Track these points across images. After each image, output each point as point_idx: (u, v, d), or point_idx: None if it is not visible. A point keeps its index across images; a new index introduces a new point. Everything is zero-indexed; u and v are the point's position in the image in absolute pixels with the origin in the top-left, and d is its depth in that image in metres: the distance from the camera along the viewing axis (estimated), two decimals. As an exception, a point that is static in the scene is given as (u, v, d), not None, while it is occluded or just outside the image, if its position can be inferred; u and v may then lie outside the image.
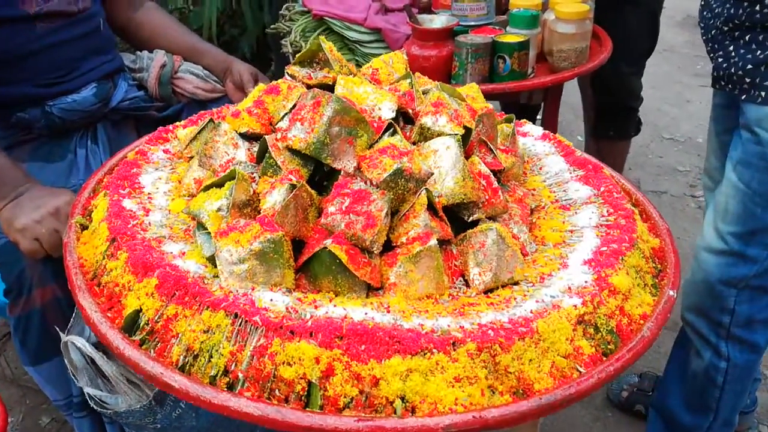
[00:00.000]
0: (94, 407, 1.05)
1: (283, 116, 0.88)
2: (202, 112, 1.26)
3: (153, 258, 0.80)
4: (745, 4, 1.23)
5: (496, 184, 0.93)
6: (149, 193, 0.97)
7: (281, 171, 0.84)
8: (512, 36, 1.59)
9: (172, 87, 1.68)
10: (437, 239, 0.83)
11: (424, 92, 1.00)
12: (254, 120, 0.89)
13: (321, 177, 0.89)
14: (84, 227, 0.95)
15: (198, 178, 0.99)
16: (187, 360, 0.75)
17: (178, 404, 1.05)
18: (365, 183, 0.82)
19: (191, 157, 1.09)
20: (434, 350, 0.72)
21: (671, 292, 0.89)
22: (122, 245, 0.83)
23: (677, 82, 4.56)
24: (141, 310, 0.78)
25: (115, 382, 0.99)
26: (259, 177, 0.86)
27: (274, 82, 0.92)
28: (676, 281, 0.92)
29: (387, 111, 0.88)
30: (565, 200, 1.07)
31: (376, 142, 0.86)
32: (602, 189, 1.06)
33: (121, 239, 0.84)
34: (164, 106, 1.70)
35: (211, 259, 0.83)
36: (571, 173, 1.13)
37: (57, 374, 1.32)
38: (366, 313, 0.76)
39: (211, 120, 1.08)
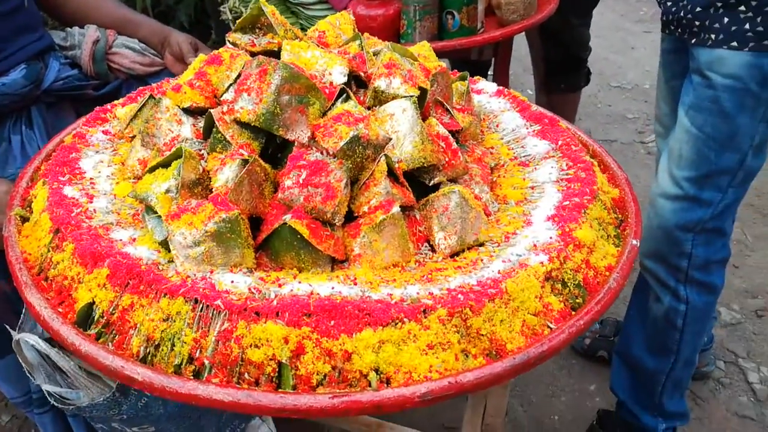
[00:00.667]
0: (55, 404, 1.01)
1: (228, 87, 0.83)
2: (141, 88, 1.19)
3: (101, 247, 0.76)
4: None
5: (455, 146, 0.91)
6: (91, 178, 0.92)
7: (231, 146, 0.80)
8: (460, -9, 1.56)
9: (107, 63, 1.60)
10: (400, 206, 0.80)
11: (375, 53, 0.96)
12: (197, 93, 0.85)
13: (274, 149, 0.85)
14: (25, 219, 0.89)
15: (142, 158, 0.94)
16: (148, 351, 0.71)
17: (143, 394, 1.01)
18: (321, 153, 0.79)
19: (133, 137, 1.03)
20: (405, 319, 0.70)
21: (634, 242, 0.89)
22: (67, 236, 0.78)
23: (621, 29, 4.60)
24: (94, 302, 0.74)
25: (73, 377, 0.95)
26: (208, 153, 0.82)
27: (215, 52, 0.87)
28: (638, 230, 0.92)
29: (338, 76, 0.84)
30: (524, 156, 1.06)
31: (329, 109, 0.83)
32: (560, 143, 1.05)
33: (66, 229, 0.79)
34: (101, 84, 1.61)
35: (164, 244, 0.79)
36: (528, 128, 1.12)
37: (12, 371, 1.28)
38: (333, 288, 0.73)
39: (152, 96, 1.02)
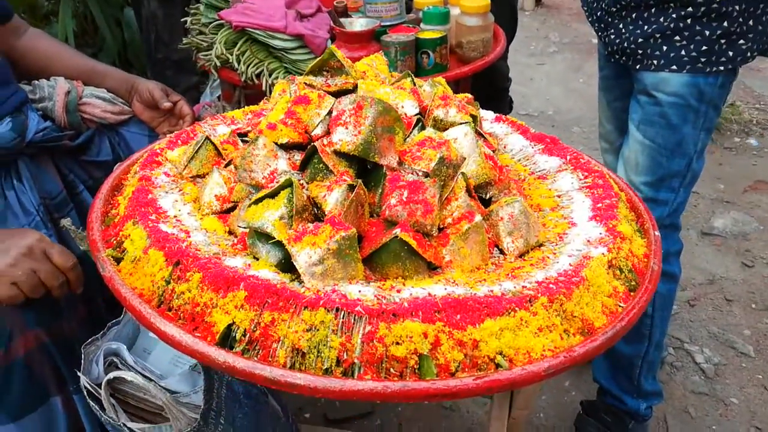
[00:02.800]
0: (137, 442, 1.03)
1: (318, 123, 0.93)
2: (179, 132, 1.24)
3: (231, 272, 0.82)
4: None
5: (500, 163, 1.05)
6: (175, 216, 0.97)
7: (332, 174, 0.89)
8: (431, 32, 1.72)
9: (79, 114, 1.61)
10: (475, 216, 0.93)
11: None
12: (291, 130, 0.93)
13: (358, 175, 0.95)
14: (118, 259, 0.93)
15: (219, 194, 1.00)
16: (294, 360, 0.78)
17: (219, 421, 1.06)
18: (413, 174, 0.90)
19: (193, 177, 1.09)
20: (516, 309, 0.82)
21: (656, 233, 1.06)
22: (190, 266, 0.84)
23: (518, 63, 4.98)
24: (233, 323, 0.80)
25: (168, 409, 0.99)
26: (308, 182, 0.91)
27: (301, 93, 0.96)
28: (653, 224, 1.09)
29: (410, 108, 0.96)
30: (540, 171, 1.21)
31: (408, 136, 0.94)
32: (569, 157, 1.22)
33: (187, 261, 0.85)
34: (75, 135, 1.62)
35: (280, 266, 0.86)
36: (533, 148, 1.28)
37: (43, 424, 1.25)
38: (445, 289, 0.84)
39: (208, 138, 1.09)
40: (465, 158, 0.94)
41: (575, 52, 4.98)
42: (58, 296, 1.12)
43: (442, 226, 0.93)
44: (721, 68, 1.37)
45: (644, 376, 1.71)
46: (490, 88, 2.77)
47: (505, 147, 1.30)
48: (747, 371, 2.11)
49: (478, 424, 1.93)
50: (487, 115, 1.40)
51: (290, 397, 1.37)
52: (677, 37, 1.40)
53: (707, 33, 1.35)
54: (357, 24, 1.71)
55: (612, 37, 1.53)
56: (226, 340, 0.80)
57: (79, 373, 1.05)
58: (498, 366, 0.79)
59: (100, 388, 1.04)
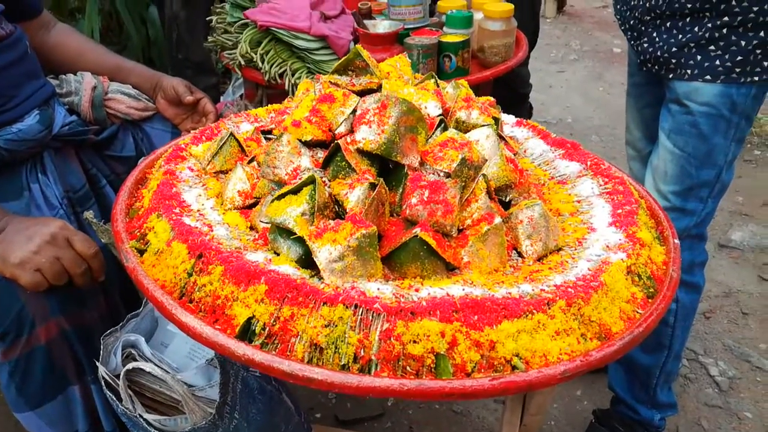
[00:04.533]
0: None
1: (342, 122, 0.94)
2: (203, 128, 1.26)
3: (253, 266, 0.83)
4: None
5: (520, 166, 1.06)
6: (198, 210, 0.99)
7: (354, 172, 0.90)
8: (454, 36, 1.73)
9: (104, 109, 1.64)
10: (494, 218, 0.93)
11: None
12: (315, 128, 0.94)
13: (379, 173, 0.96)
14: (141, 251, 0.95)
15: (242, 190, 1.02)
16: (312, 355, 0.79)
17: (233, 415, 1.07)
18: (434, 174, 0.91)
19: (216, 173, 1.11)
20: (534, 311, 0.82)
21: (676, 241, 1.06)
22: (212, 259, 0.85)
23: (538, 70, 4.98)
24: (253, 316, 0.81)
25: (184, 402, 1.00)
26: (329, 180, 0.92)
27: (326, 92, 0.97)
28: (673, 231, 1.09)
29: (433, 109, 0.97)
30: (559, 176, 1.21)
31: (430, 137, 0.95)
32: (589, 163, 1.22)
33: (209, 254, 0.86)
34: (100, 129, 1.65)
35: (300, 262, 0.87)
36: (553, 153, 1.28)
37: (61, 414, 1.27)
38: (463, 289, 0.85)
39: (232, 134, 1.11)
40: (486, 160, 0.95)
41: (596, 60, 4.96)
42: (81, 284, 1.14)
43: (461, 227, 0.94)
44: (756, 79, 1.36)
45: (660, 387, 1.70)
46: (511, 94, 2.78)
47: (525, 151, 1.31)
48: (762, 385, 2.09)
49: (489, 429, 1.92)
50: (508, 119, 1.40)
51: (301, 397, 1.38)
52: (712, 47, 1.39)
53: (743, 43, 1.34)
54: (380, 26, 1.72)
55: (645, 45, 1.52)
56: (246, 333, 0.81)
57: (97, 363, 1.06)
58: (514, 368, 0.79)
59: (118, 379, 1.05)
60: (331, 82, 0.99)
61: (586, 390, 2.06)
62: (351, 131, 0.95)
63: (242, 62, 1.74)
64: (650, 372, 1.68)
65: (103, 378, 1.07)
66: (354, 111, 0.94)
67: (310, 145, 0.96)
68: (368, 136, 0.90)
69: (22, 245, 1.10)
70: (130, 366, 0.98)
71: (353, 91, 0.98)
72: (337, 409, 1.96)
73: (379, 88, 0.99)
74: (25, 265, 1.09)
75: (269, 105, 1.36)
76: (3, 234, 1.13)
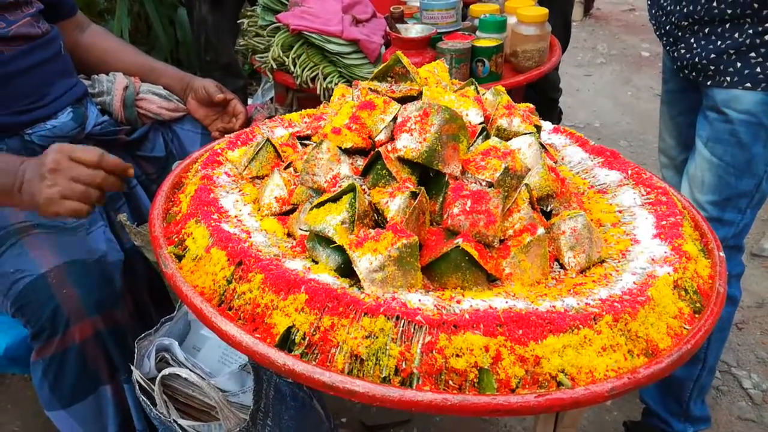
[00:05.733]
0: (187, 438, 1.04)
1: (382, 129, 0.92)
2: (238, 132, 1.25)
3: (293, 275, 0.82)
4: (703, 1, 1.40)
5: (562, 175, 1.03)
6: (236, 216, 0.98)
7: (394, 180, 0.88)
8: (487, 40, 1.71)
9: (135, 109, 1.64)
10: (536, 229, 0.91)
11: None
12: (355, 135, 0.93)
13: (419, 182, 0.94)
14: (179, 257, 0.94)
15: (279, 196, 1.01)
16: (353, 366, 0.78)
17: (266, 422, 1.06)
18: (476, 183, 0.89)
19: (252, 178, 1.10)
20: (580, 326, 0.80)
21: (721, 254, 1.03)
22: (252, 267, 0.84)
23: (565, 74, 4.92)
24: (293, 325, 0.80)
25: (219, 408, 0.99)
26: (369, 188, 0.90)
27: (366, 99, 0.96)
28: (718, 244, 1.06)
29: (475, 116, 0.95)
30: (599, 185, 1.19)
31: (472, 145, 0.93)
32: (630, 172, 1.19)
33: (249, 261, 0.85)
34: (131, 129, 1.65)
35: (339, 271, 0.86)
36: (592, 161, 1.26)
37: (92, 413, 1.27)
38: (506, 302, 0.83)
39: (268, 140, 1.10)
40: (529, 169, 0.93)
41: (624, 64, 4.90)
42: (114, 187, 1.17)
43: (503, 238, 0.92)
44: None
45: (694, 401, 1.67)
46: (541, 99, 2.75)
47: (563, 159, 1.28)
48: (797, 399, 2.04)
49: (517, 438, 1.90)
50: (546, 126, 1.38)
51: (326, 401, 1.37)
52: (752, 54, 1.36)
53: None
54: (413, 30, 1.70)
55: (682, 51, 1.48)
56: (285, 343, 0.80)
57: (132, 368, 1.06)
58: (560, 384, 0.77)
59: (153, 383, 1.05)
60: (370, 89, 0.98)
61: (617, 401, 2.03)
62: (391, 139, 0.94)
63: (274, 66, 1.74)
64: (684, 385, 1.64)
65: (138, 382, 1.07)
66: (395, 118, 0.92)
67: (349, 152, 0.94)
68: (409, 144, 0.89)
69: (38, 186, 1.12)
70: (166, 371, 0.98)
71: (393, 98, 0.97)
72: (362, 415, 1.94)
73: (419, 96, 0.98)
74: (52, 201, 1.11)
75: (300, 109, 1.35)
76: (25, 184, 1.15)
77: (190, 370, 1.01)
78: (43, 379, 1.22)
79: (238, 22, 2.02)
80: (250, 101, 2.80)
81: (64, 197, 1.11)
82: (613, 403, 2.02)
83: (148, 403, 1.05)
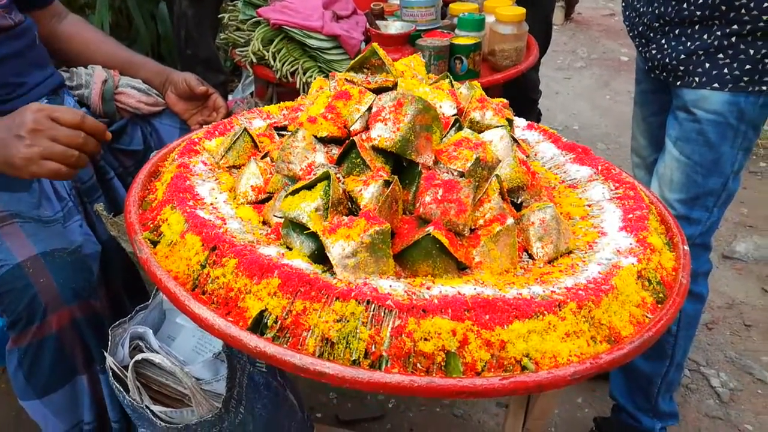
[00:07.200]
0: (160, 424, 1.05)
1: (357, 119, 0.94)
2: (216, 123, 1.26)
3: (265, 260, 0.84)
4: (674, 2, 1.43)
5: (532, 169, 1.06)
6: (211, 203, 0.99)
7: (368, 169, 0.90)
8: (466, 38, 1.73)
9: (114, 103, 1.64)
10: (506, 219, 0.93)
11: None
12: (331, 124, 0.95)
13: (393, 171, 0.96)
14: (154, 242, 0.95)
15: (255, 185, 1.02)
16: (323, 349, 0.79)
17: (239, 410, 1.07)
18: (448, 173, 0.91)
19: (229, 167, 1.11)
20: (545, 312, 0.82)
21: (685, 247, 1.06)
22: (226, 252, 0.86)
23: (544, 76, 4.98)
24: (266, 309, 0.81)
25: (192, 395, 1.00)
26: (343, 176, 0.92)
27: (343, 89, 0.97)
28: (683, 238, 1.09)
29: (448, 108, 0.97)
30: (570, 180, 1.22)
31: (445, 136, 0.95)
32: (600, 168, 1.22)
33: (223, 247, 0.86)
34: (109, 123, 1.65)
35: (312, 257, 0.88)
36: (564, 156, 1.28)
37: (67, 403, 1.27)
38: (475, 289, 0.85)
39: (245, 130, 1.11)
40: (500, 161, 0.95)
41: (603, 68, 4.97)
42: (92, 150, 1.16)
43: (473, 227, 0.94)
44: (764, 88, 1.36)
45: (662, 396, 1.70)
46: (520, 99, 2.78)
47: (536, 154, 1.31)
48: (763, 398, 2.09)
49: (490, 433, 1.92)
50: (519, 122, 1.40)
51: (302, 398, 1.38)
52: (721, 55, 1.39)
53: (752, 52, 1.34)
54: (392, 27, 1.72)
55: (653, 52, 1.52)
56: (258, 326, 0.81)
57: (106, 354, 1.07)
58: (524, 368, 0.80)
59: (126, 370, 1.06)
60: (346, 80, 1.00)
61: (588, 398, 2.06)
62: (366, 128, 0.95)
63: (254, 60, 1.75)
64: (652, 380, 1.68)
65: (111, 369, 1.08)
66: (369, 108, 0.94)
67: (325, 141, 0.96)
68: (383, 134, 0.90)
69: (16, 145, 1.11)
70: (139, 357, 0.99)
71: (369, 89, 0.98)
72: (338, 409, 1.96)
73: (394, 87, 1.00)
74: (31, 161, 1.10)
75: (281, 102, 1.36)
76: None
77: (164, 357, 1.01)
78: (19, 368, 1.22)
79: (219, 16, 2.02)
80: (230, 97, 2.80)
81: (44, 158, 1.10)
82: (584, 400, 2.06)
83: (121, 389, 1.05)
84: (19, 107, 1.39)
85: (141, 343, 1.12)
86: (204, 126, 1.52)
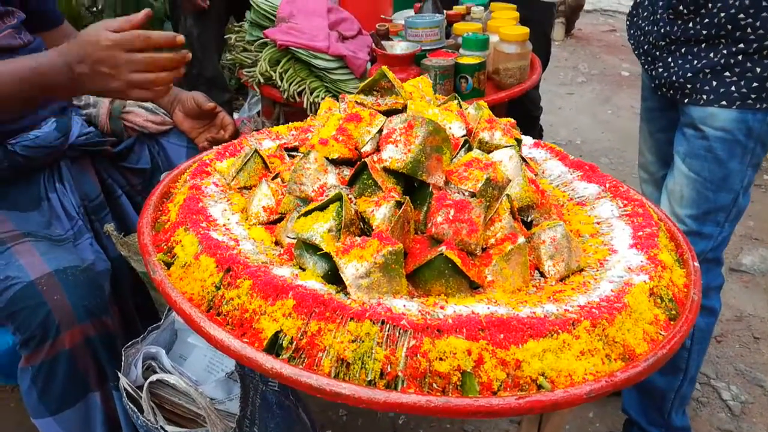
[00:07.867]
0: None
1: (368, 140, 0.95)
2: (226, 144, 1.27)
3: (280, 281, 0.84)
4: (679, 22, 1.45)
5: (542, 187, 1.07)
6: (224, 225, 1.00)
7: (380, 190, 0.91)
8: (470, 58, 1.75)
9: (121, 122, 1.66)
10: (518, 238, 0.94)
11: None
12: (342, 146, 0.96)
13: (404, 192, 0.97)
14: (168, 264, 0.96)
15: (267, 205, 1.03)
16: (339, 370, 0.80)
17: (253, 429, 1.08)
18: (459, 193, 0.92)
19: (240, 188, 1.12)
20: (559, 331, 0.83)
21: (695, 264, 1.07)
22: (241, 274, 0.86)
23: (547, 92, 5.01)
24: (281, 330, 0.82)
25: (207, 415, 1.00)
26: (355, 197, 0.93)
27: (352, 111, 0.98)
28: (693, 254, 1.10)
29: (458, 129, 0.98)
30: (578, 198, 1.22)
31: (455, 157, 0.96)
32: (608, 185, 1.23)
33: (237, 268, 0.87)
34: (117, 141, 1.67)
35: (326, 277, 0.88)
36: (572, 174, 1.29)
37: (80, 420, 1.27)
38: (488, 308, 0.85)
39: (256, 151, 1.12)
40: (510, 180, 0.96)
41: (604, 83, 4.99)
42: (178, 64, 1.20)
43: (485, 246, 0.94)
44: None
45: (675, 411, 1.70)
46: (523, 116, 2.80)
47: (543, 172, 1.32)
48: (774, 411, 2.08)
49: (500, 450, 1.91)
50: (526, 141, 1.41)
51: (313, 414, 1.38)
52: (727, 73, 1.40)
53: (758, 70, 1.36)
54: (398, 47, 1.74)
55: (660, 70, 1.53)
56: (273, 347, 0.82)
57: (119, 374, 1.07)
58: (540, 387, 0.80)
59: (140, 391, 1.06)
60: (356, 102, 1.01)
61: (599, 412, 2.05)
62: (377, 150, 0.96)
63: (261, 80, 1.76)
64: (665, 395, 1.67)
65: (124, 389, 1.08)
66: (380, 130, 0.95)
67: (336, 163, 0.97)
68: (395, 155, 0.91)
69: (104, 80, 1.14)
70: (154, 378, 0.99)
71: (379, 111, 1.00)
72: (348, 427, 1.95)
73: (404, 109, 1.01)
74: (123, 93, 1.16)
75: (287, 123, 1.37)
76: (80, 75, 1.15)
77: (178, 377, 1.02)
78: (32, 386, 1.22)
79: (225, 36, 2.04)
80: (236, 115, 2.83)
81: (132, 87, 1.15)
82: (596, 414, 2.05)
83: (135, 410, 1.05)
84: (26, 125, 1.41)
85: (154, 363, 1.12)
86: (213, 142, 1.54)
